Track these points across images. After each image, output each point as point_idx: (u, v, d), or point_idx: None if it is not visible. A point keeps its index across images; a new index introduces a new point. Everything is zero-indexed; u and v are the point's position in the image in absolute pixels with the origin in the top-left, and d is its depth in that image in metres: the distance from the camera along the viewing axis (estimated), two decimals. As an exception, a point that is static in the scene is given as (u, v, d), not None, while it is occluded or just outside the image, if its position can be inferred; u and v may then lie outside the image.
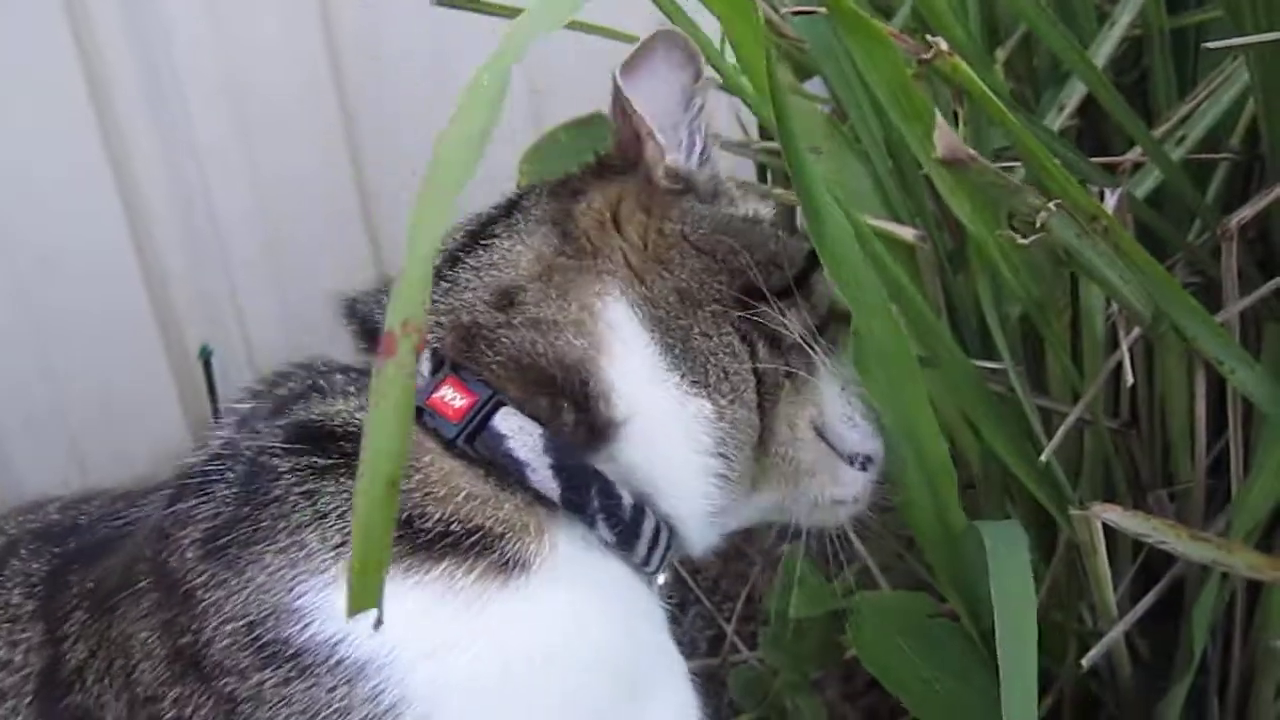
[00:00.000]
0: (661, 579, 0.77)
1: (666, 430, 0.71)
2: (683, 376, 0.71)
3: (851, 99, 0.83)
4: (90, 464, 1.87)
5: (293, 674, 0.62)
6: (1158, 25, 0.87)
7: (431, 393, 0.68)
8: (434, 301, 0.71)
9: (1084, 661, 0.79)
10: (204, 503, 0.67)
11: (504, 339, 0.70)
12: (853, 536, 1.24)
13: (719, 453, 0.72)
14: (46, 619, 0.72)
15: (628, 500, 0.70)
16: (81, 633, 0.70)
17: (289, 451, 0.67)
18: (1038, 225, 0.57)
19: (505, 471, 0.67)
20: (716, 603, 1.38)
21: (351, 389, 0.72)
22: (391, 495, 0.42)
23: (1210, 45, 0.75)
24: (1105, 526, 0.73)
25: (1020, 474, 0.85)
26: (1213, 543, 0.68)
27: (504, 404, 0.68)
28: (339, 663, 0.62)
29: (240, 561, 0.65)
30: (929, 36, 0.63)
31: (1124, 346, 0.70)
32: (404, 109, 1.86)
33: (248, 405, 0.76)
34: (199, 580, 0.65)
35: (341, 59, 1.91)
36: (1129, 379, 0.69)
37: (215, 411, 1.92)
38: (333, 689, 0.61)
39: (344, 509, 0.64)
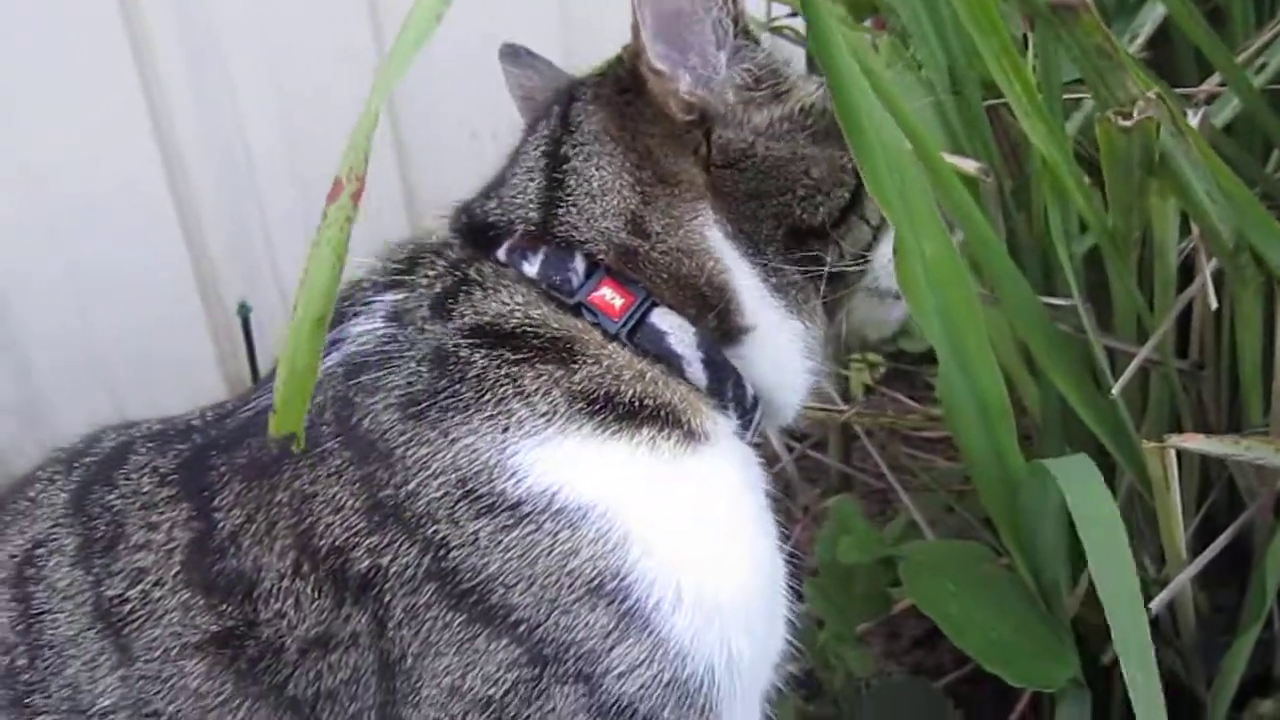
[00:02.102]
0: None
1: (776, 340, 0.79)
2: (775, 298, 0.78)
3: (915, 22, 0.81)
4: (129, 416, 1.88)
5: (510, 521, 0.67)
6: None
7: (592, 291, 0.75)
8: (560, 208, 0.77)
9: (1150, 607, 0.76)
10: (391, 374, 0.72)
11: (656, 259, 0.76)
12: (899, 489, 1.23)
13: (810, 354, 0.81)
14: (191, 498, 0.75)
15: (750, 391, 0.79)
16: (237, 501, 0.73)
17: (478, 346, 0.72)
18: (1136, 115, 0.54)
19: (664, 362, 0.75)
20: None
21: (505, 283, 0.76)
22: (318, 332, 0.47)
23: None
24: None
25: (1084, 414, 0.83)
26: None
27: (658, 304, 0.75)
28: (560, 510, 0.68)
29: (444, 423, 0.70)
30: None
31: (1206, 273, 0.66)
32: (443, 64, 1.83)
33: (394, 296, 0.78)
34: (401, 439, 0.70)
35: (380, 17, 1.89)
36: (1213, 302, 0.65)
37: (254, 368, 1.92)
38: (555, 533, 0.67)
39: (547, 390, 0.71)
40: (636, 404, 0.72)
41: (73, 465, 0.82)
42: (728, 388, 0.77)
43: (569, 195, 0.78)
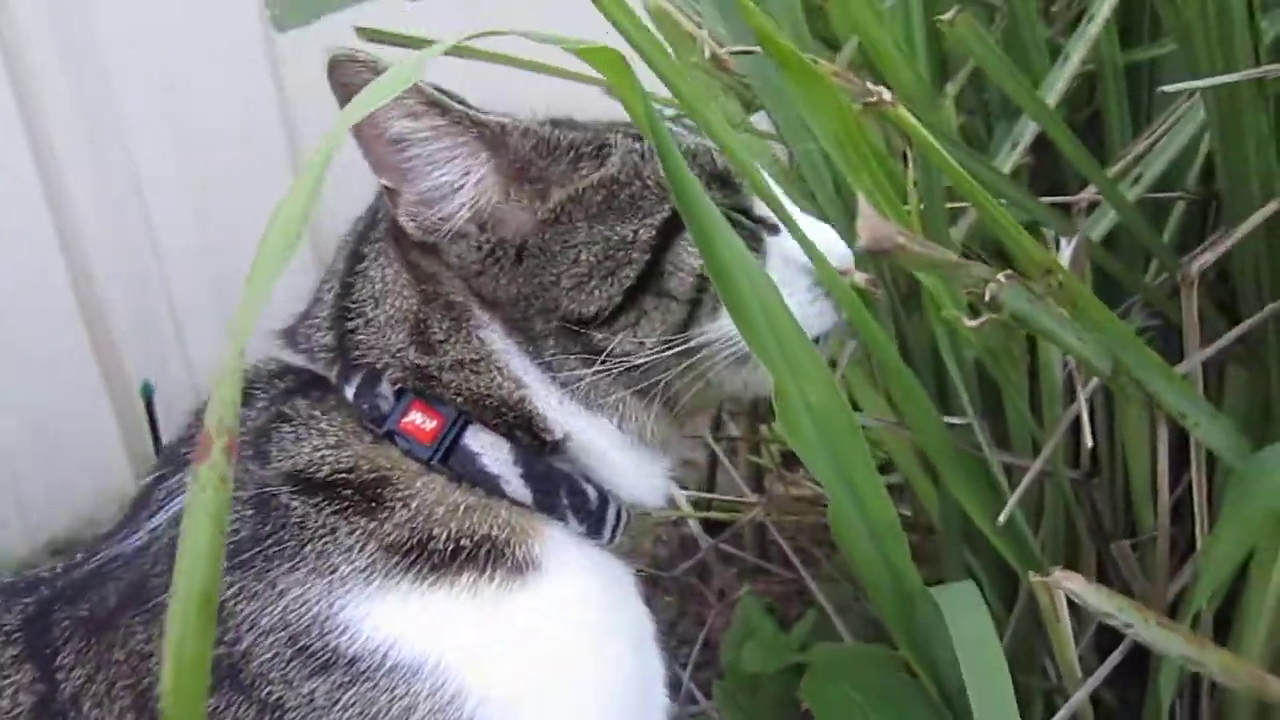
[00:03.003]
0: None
1: (596, 442, 0.76)
2: (571, 400, 0.74)
3: (797, 139, 0.80)
4: (29, 501, 1.82)
5: (346, 679, 0.66)
6: (1111, 61, 0.84)
7: (401, 417, 0.72)
8: (363, 334, 0.75)
9: (1049, 726, 0.76)
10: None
11: (449, 377, 0.73)
12: (808, 579, 1.21)
13: (645, 444, 0.77)
14: (35, 658, 0.72)
15: (593, 494, 0.76)
16: (78, 660, 0.71)
17: (295, 493, 0.71)
18: (987, 298, 0.53)
19: (484, 485, 0.73)
20: (673, 647, 1.34)
21: (320, 418, 0.74)
22: (206, 611, 0.41)
23: (1166, 89, 0.71)
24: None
25: (983, 527, 0.82)
26: (1182, 635, 0.64)
27: (470, 422, 0.73)
28: (394, 666, 0.67)
29: (270, 574, 0.68)
30: (869, 84, 0.59)
31: (1082, 400, 0.66)
32: (353, 143, 1.80)
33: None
34: (230, 592, 0.68)
35: (287, 93, 1.87)
36: (1088, 441, 0.65)
37: (158, 448, 1.87)
38: (391, 689, 0.66)
39: (363, 544, 0.69)
40: (452, 547, 0.70)
41: None
42: (559, 498, 0.74)
43: (356, 304, 0.75)
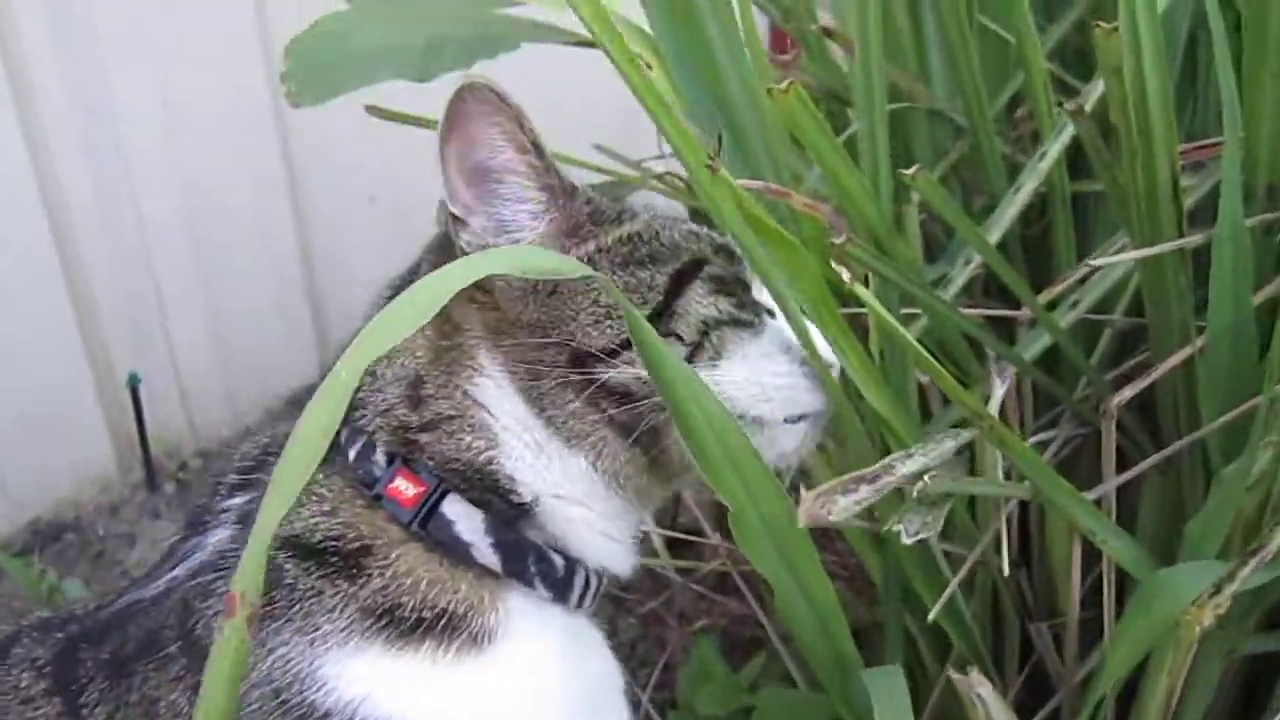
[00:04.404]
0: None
1: (565, 501, 0.80)
2: (555, 435, 0.79)
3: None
4: (12, 482, 1.86)
5: None
6: (1060, 189, 0.92)
7: (389, 482, 0.78)
8: (367, 394, 0.80)
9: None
10: (222, 579, 0.77)
11: (423, 440, 0.79)
12: (764, 620, 1.30)
13: (614, 487, 0.81)
14: (62, 692, 0.79)
15: (559, 562, 0.80)
16: (101, 699, 0.78)
17: (290, 557, 0.77)
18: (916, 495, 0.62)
19: (456, 551, 0.77)
20: (633, 668, 1.43)
21: (320, 484, 0.79)
22: None
23: (1094, 263, 0.79)
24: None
25: (923, 601, 0.90)
26: None
27: (449, 491, 0.78)
28: None
29: (262, 632, 0.74)
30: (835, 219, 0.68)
31: (1003, 523, 0.75)
32: (343, 130, 1.83)
33: (242, 499, 0.83)
34: None
35: (279, 86, 1.89)
36: (1004, 568, 0.74)
37: (143, 439, 1.92)
38: None
39: (344, 606, 0.75)
40: (415, 617, 0.75)
41: None
42: (527, 564, 0.79)
43: (375, 362, 0.77)
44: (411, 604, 0.76)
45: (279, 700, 0.74)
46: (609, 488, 0.81)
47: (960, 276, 0.93)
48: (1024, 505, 0.96)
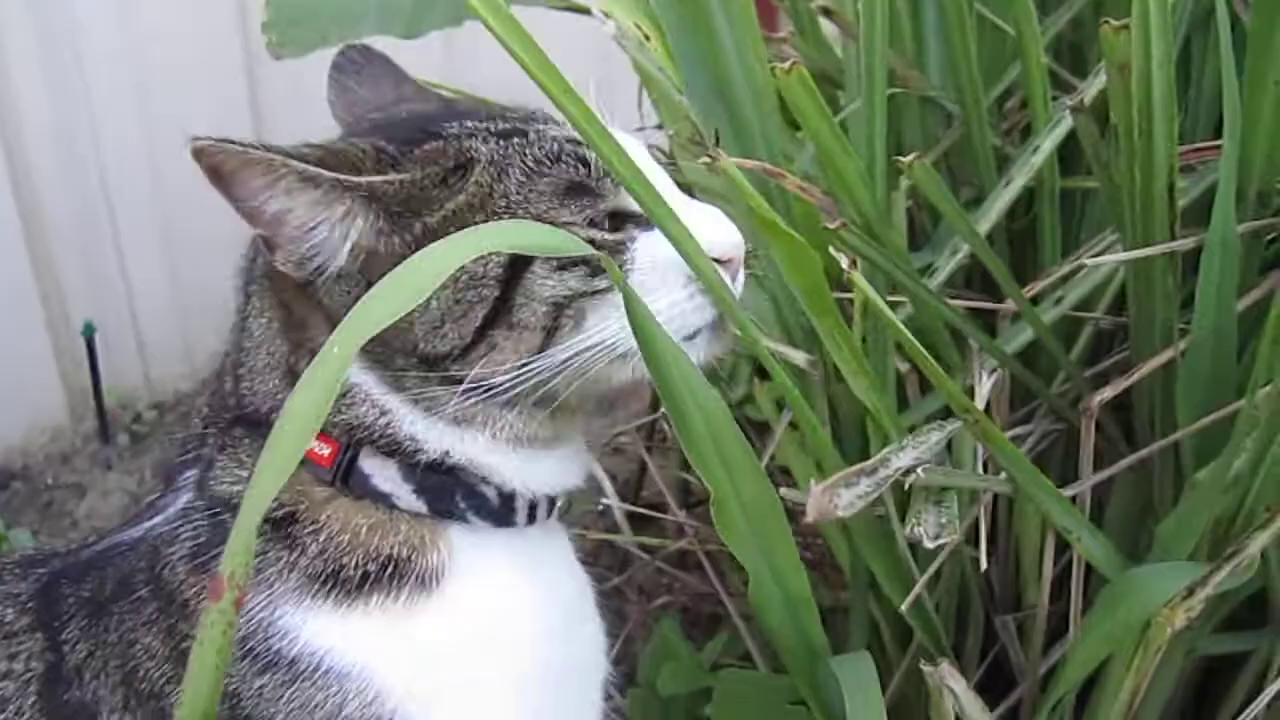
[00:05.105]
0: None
1: (473, 452, 0.78)
2: (440, 420, 0.77)
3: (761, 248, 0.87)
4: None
5: (288, 678, 0.75)
6: (1049, 185, 0.92)
7: None
8: (249, 384, 0.80)
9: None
10: (183, 526, 0.79)
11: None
12: (726, 600, 1.31)
13: (521, 444, 0.78)
14: (44, 628, 0.81)
15: (491, 494, 0.79)
16: (82, 636, 0.80)
17: (232, 517, 0.73)
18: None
19: (379, 501, 0.77)
20: (592, 641, 1.42)
21: (239, 451, 0.80)
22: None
23: (1088, 261, 0.79)
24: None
25: (887, 591, 0.91)
26: None
27: (363, 445, 0.77)
28: (328, 670, 0.75)
29: None
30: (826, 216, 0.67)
31: (983, 517, 0.75)
32: (312, 82, 1.79)
33: (191, 471, 0.83)
34: (191, 592, 0.77)
35: (251, 36, 1.86)
36: (982, 562, 0.74)
37: (97, 390, 1.88)
38: (326, 688, 0.75)
39: (288, 571, 0.76)
40: (360, 573, 0.76)
41: None
42: (456, 503, 0.78)
43: (244, 351, 0.80)
44: (354, 562, 0.76)
45: (246, 648, 0.75)
46: (517, 446, 0.78)
47: (947, 266, 0.93)
48: (995, 498, 0.97)
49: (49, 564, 0.86)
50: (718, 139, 0.77)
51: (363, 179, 0.73)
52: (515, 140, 0.76)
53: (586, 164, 0.76)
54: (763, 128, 0.88)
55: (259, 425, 0.79)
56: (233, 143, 0.68)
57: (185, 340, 1.98)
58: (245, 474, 0.79)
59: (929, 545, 0.65)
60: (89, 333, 1.86)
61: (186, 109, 1.80)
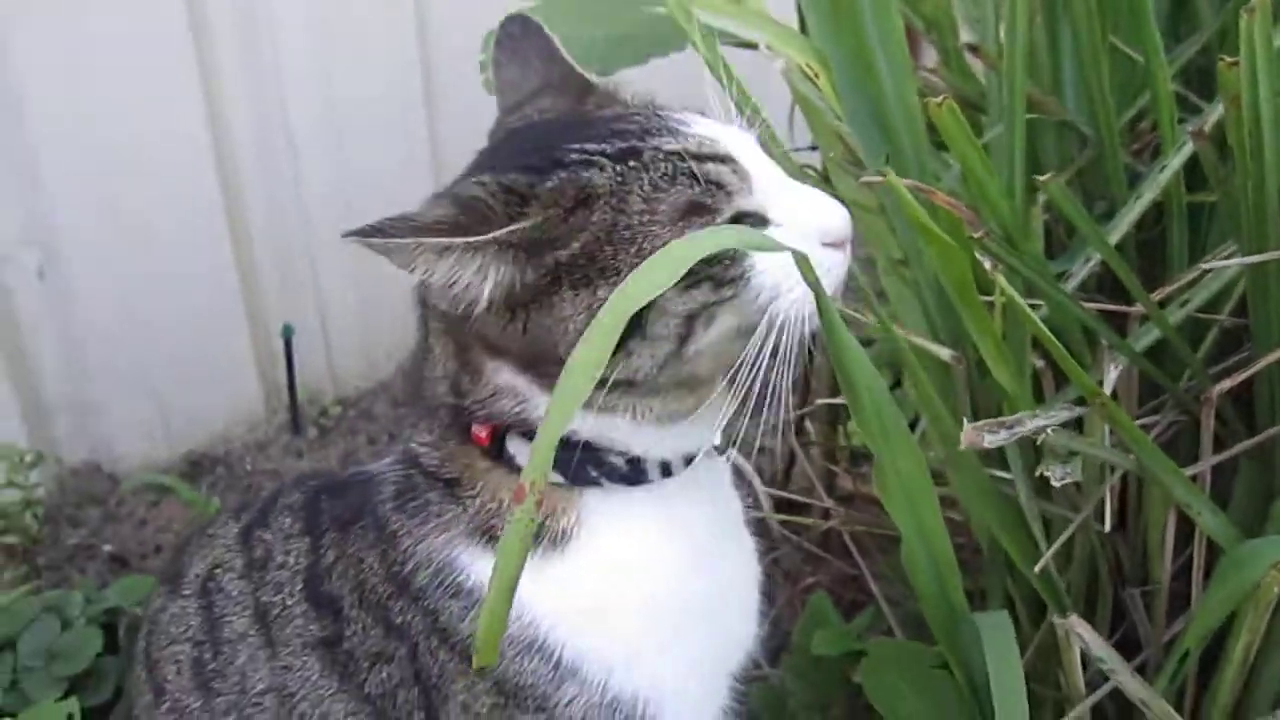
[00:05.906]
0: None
1: (609, 434, 0.89)
2: (595, 420, 0.87)
3: (915, 256, 0.99)
4: (171, 416, 2.05)
5: (469, 604, 0.92)
6: (1177, 199, 1.02)
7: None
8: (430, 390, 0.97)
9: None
10: (389, 474, 0.99)
11: (476, 409, 0.91)
12: (870, 579, 1.42)
13: (659, 423, 0.88)
14: (310, 534, 1.03)
15: (619, 461, 0.90)
16: (332, 544, 1.01)
17: (419, 473, 0.97)
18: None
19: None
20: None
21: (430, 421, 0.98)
22: (510, 587, 0.67)
23: (1206, 266, 0.90)
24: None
25: (1021, 567, 1.02)
26: (1141, 687, 0.85)
27: (510, 428, 0.91)
28: None
29: (417, 519, 0.95)
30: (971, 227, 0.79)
31: (1107, 494, 0.86)
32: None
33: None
34: (395, 527, 0.96)
35: (430, 58, 2.05)
36: (1105, 527, 0.85)
37: (291, 386, 2.09)
38: None
39: (457, 521, 0.93)
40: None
41: (239, 512, 1.12)
42: (587, 471, 0.89)
43: (426, 370, 0.94)
44: (499, 524, 0.91)
45: (438, 579, 0.93)
46: (657, 425, 0.88)
47: (1081, 272, 1.04)
48: (1123, 483, 1.07)
49: (316, 479, 1.09)
50: (887, 159, 0.90)
51: (491, 235, 0.79)
52: (631, 164, 0.81)
53: (699, 180, 0.80)
54: (915, 150, 1.01)
55: (434, 411, 0.96)
56: (376, 230, 0.78)
57: (366, 342, 2.18)
58: (428, 440, 0.97)
59: (1055, 484, 0.77)
60: (288, 334, 2.06)
61: (373, 143, 2.00)
